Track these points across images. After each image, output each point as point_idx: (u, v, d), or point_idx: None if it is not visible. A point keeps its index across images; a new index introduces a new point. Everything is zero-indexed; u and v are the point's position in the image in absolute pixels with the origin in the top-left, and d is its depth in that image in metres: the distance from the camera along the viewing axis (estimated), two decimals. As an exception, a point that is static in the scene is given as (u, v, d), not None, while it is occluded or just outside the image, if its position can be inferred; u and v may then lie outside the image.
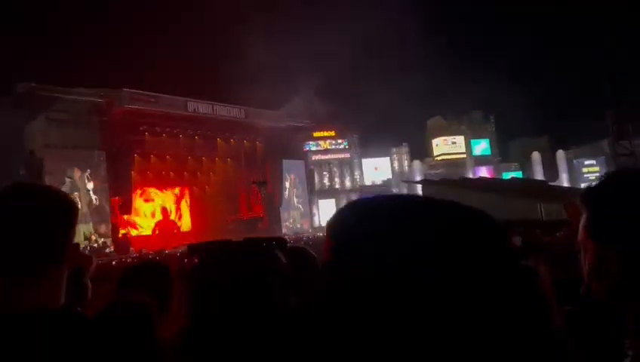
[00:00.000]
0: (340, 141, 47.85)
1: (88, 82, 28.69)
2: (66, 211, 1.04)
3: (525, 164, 50.53)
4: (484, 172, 48.34)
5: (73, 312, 1.01)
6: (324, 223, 43.52)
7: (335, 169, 47.59)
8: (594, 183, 1.27)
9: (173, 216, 37.10)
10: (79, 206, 27.09)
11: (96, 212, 28.41)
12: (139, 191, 34.24)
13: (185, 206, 37.76)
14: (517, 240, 7.78)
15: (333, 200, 46.38)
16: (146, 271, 1.90)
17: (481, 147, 51.10)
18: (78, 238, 21.18)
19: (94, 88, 28.89)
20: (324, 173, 47.11)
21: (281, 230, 37.02)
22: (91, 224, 28.01)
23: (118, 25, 32.90)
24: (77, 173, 27.79)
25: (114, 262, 18.07)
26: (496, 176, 46.03)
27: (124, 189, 29.98)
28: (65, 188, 26.98)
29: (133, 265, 2.02)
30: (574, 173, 49.02)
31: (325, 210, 45.45)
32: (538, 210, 17.53)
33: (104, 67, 29.68)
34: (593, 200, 1.19)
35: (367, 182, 48.33)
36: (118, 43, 32.44)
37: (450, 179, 28.88)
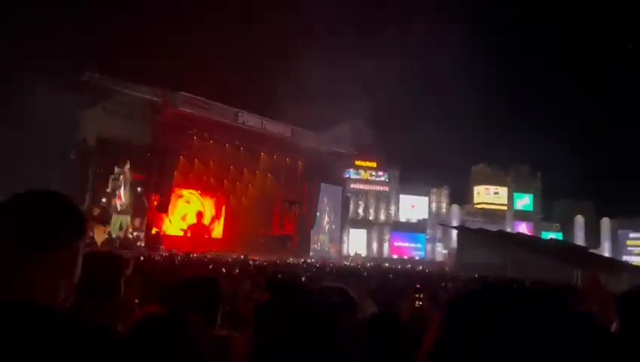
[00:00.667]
0: (380, 173, 47.67)
1: (147, 80, 29.74)
2: (66, 213, 1.06)
3: (567, 227, 48.98)
4: (523, 228, 47.09)
5: (53, 311, 0.98)
6: (352, 252, 43.24)
7: (372, 200, 47.34)
8: (632, 291, 1.21)
9: (206, 221, 37.68)
10: (118, 204, 27.88)
11: (135, 205, 29.15)
12: (182, 192, 35.05)
13: (220, 214, 38.35)
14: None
15: (364, 231, 46.08)
16: (197, 286, 1.88)
17: (524, 202, 49.90)
18: (115, 227, 21.71)
19: (152, 87, 29.89)
20: (360, 202, 46.93)
21: (308, 252, 36.96)
22: (129, 216, 28.76)
23: (181, 29, 34.11)
24: (127, 165, 28.72)
25: (142, 258, 18.39)
26: (536, 235, 44.73)
27: (164, 188, 30.66)
28: (112, 178, 28.00)
29: (185, 279, 1.99)
30: (617, 244, 47.15)
31: (355, 240, 45.18)
32: (575, 277, 16.86)
33: (164, 67, 30.68)
34: (627, 311, 1.14)
35: (402, 218, 47.83)
36: (181, 46, 33.61)
37: (489, 230, 28.26)
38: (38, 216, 1.01)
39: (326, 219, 41.92)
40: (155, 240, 29.78)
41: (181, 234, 35.44)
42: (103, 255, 1.86)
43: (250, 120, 34.23)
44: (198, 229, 36.83)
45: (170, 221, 34.21)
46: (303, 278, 11.66)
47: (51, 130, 27.11)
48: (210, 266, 16.03)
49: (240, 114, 33.61)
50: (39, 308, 0.93)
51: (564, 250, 23.75)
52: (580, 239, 45.86)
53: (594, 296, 1.85)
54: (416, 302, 1.90)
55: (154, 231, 30.79)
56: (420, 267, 30.85)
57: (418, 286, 2.12)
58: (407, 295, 5.43)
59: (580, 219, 48.41)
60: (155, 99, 29.86)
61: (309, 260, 29.06)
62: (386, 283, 9.55)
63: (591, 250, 32.51)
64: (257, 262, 19.10)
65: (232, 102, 33.43)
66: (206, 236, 36.96)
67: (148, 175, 29.71)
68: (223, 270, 11.39)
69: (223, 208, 38.25)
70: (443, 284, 10.95)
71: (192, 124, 31.45)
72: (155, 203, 30.57)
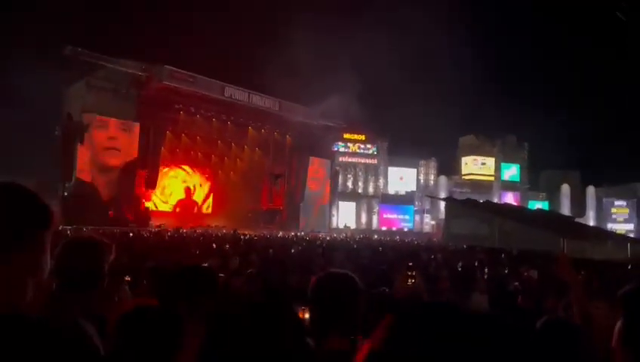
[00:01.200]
0: (369, 146, 47.68)
1: (132, 54, 29.19)
2: (31, 210, 1.00)
3: (553, 196, 49.63)
4: (510, 198, 47.59)
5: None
6: (341, 225, 43.52)
7: (360, 173, 47.46)
8: (633, 287, 1.22)
9: (197, 197, 37.69)
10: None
11: (124, 182, 28.95)
12: (166, 168, 34.82)
13: (209, 189, 38.35)
14: (533, 273, 7.63)
15: (353, 204, 46.31)
16: (193, 276, 1.75)
17: (511, 172, 50.34)
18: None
19: (137, 61, 29.36)
20: (349, 175, 47.03)
21: (297, 226, 37.13)
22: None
23: (168, 3, 33.40)
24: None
25: (131, 234, 18.36)
26: (523, 204, 45.26)
27: (151, 163, 30.42)
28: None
29: (182, 269, 1.85)
30: (602, 212, 47.94)
31: (345, 213, 45.43)
32: (561, 246, 17.10)
33: (149, 42, 30.14)
34: (631, 308, 1.15)
35: (391, 190, 48.08)
36: (166, 20, 32.97)
37: (476, 200, 28.48)
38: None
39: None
40: (144, 216, 29.71)
41: (170, 209, 35.43)
42: (82, 242, 1.80)
43: (236, 93, 33.80)
44: (187, 204, 36.82)
45: (155, 194, 33.97)
46: (293, 250, 11.78)
47: (36, 106, 26.62)
48: (201, 239, 16.10)
49: (227, 88, 33.18)
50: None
51: (551, 220, 24.04)
52: (565, 208, 46.55)
53: (563, 274, 1.91)
54: (409, 280, 1.92)
55: (143, 207, 30.68)
56: (408, 239, 31.17)
57: (410, 263, 2.13)
58: (399, 270, 5.50)
59: (565, 188, 49.03)
60: (140, 73, 29.36)
61: (298, 233, 29.20)
62: (377, 257, 9.64)
63: (576, 219, 32.98)
64: (247, 237, 19.18)
65: (219, 75, 32.97)
66: (195, 211, 36.97)
67: (134, 151, 29.41)
68: (214, 246, 11.41)
69: (211, 183, 38.27)
70: (432, 256, 11.11)
71: (178, 99, 31.02)
72: (143, 179, 30.37)
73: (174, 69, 30.33)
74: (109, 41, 28.33)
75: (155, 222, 29.97)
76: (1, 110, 23.09)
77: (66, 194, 26.86)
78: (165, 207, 35.16)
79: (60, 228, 23.10)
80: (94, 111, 27.48)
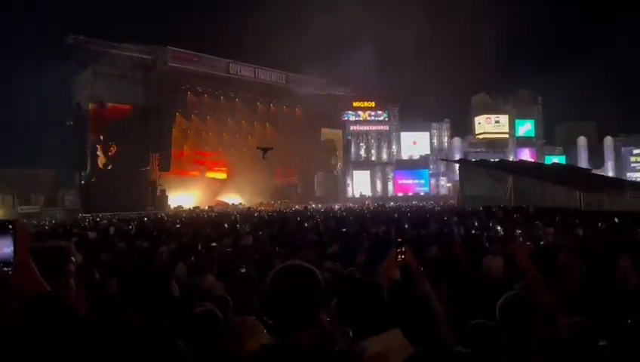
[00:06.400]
0: (379, 112, 47.24)
1: (135, 38, 29.12)
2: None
3: (570, 149, 48.87)
4: (526, 154, 47.03)
5: None
6: (357, 194, 43.58)
7: (372, 140, 47.18)
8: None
9: (211, 176, 37.96)
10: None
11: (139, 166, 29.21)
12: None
13: (223, 167, 38.55)
14: (550, 232, 7.57)
15: (368, 172, 46.22)
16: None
17: (526, 128, 49.58)
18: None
19: (140, 45, 29.29)
20: (361, 144, 46.80)
21: (313, 197, 37.29)
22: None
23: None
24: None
25: (146, 219, 18.49)
26: (539, 160, 44.69)
27: (164, 146, 30.61)
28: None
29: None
30: (621, 162, 47.18)
31: (359, 181, 45.40)
32: (577, 199, 16.95)
33: (151, 24, 29.98)
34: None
35: (405, 156, 47.81)
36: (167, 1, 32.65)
37: (489, 160, 28.21)
38: None
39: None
40: (161, 200, 30.07)
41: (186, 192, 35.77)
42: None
43: (242, 69, 33.70)
44: (203, 184, 37.10)
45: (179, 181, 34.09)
46: (306, 224, 11.83)
47: (47, 99, 26.72)
48: (214, 217, 16.18)
49: (232, 64, 33.04)
50: None
51: (566, 174, 23.78)
52: (583, 160, 45.86)
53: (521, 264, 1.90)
54: (399, 256, 1.90)
55: (159, 190, 31.00)
56: (424, 203, 31.09)
57: (400, 239, 2.09)
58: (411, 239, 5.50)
59: (582, 140, 48.22)
60: (145, 56, 29.34)
61: (313, 205, 29.35)
62: (392, 226, 9.59)
63: (595, 171, 32.53)
64: (261, 214, 19.31)
65: (223, 53, 32.82)
66: (211, 190, 37.28)
67: (146, 134, 29.57)
68: (226, 225, 11.51)
69: (224, 161, 38.45)
70: (445, 219, 11.11)
71: (184, 80, 31.03)
72: (157, 162, 30.60)
73: (177, 49, 30.24)
74: (111, 28, 28.27)
75: (171, 203, 30.35)
76: (16, 108, 23.35)
77: (83, 182, 27.25)
78: (182, 189, 35.52)
79: (80, 215, 23.53)
80: (103, 97, 27.61)
